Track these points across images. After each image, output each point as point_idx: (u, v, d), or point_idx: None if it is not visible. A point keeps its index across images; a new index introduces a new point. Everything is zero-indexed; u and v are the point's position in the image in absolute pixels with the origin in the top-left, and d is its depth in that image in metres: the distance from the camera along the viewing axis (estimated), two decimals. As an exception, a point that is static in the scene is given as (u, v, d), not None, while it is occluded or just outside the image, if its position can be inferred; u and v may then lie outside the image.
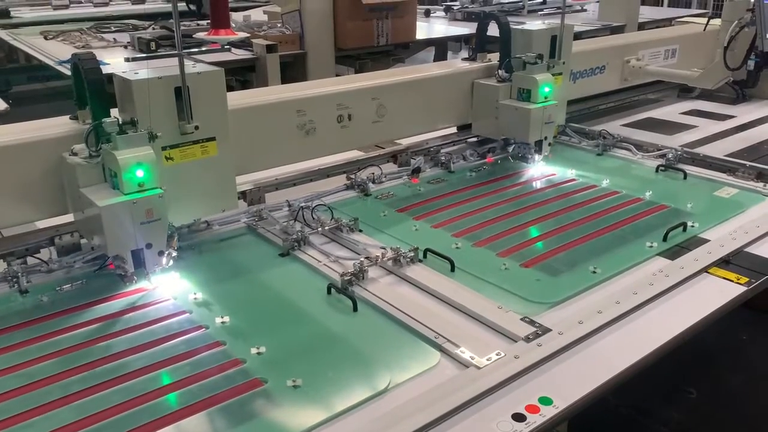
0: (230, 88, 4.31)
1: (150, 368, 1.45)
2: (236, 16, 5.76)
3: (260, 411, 1.32)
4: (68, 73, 4.06)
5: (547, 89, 2.57)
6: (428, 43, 5.80)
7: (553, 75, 2.64)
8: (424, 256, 1.91)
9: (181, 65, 1.76)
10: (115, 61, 4.24)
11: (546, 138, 2.63)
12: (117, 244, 1.66)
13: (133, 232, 1.66)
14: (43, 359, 1.48)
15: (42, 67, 4.64)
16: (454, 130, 2.99)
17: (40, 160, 1.82)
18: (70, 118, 1.93)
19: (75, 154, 1.75)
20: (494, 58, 2.81)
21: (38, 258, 1.86)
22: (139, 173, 1.65)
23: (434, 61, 5.90)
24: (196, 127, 1.83)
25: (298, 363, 1.45)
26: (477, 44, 2.85)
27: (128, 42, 4.88)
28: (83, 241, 1.95)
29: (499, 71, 2.69)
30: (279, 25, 5.02)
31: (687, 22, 4.30)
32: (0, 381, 1.41)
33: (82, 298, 1.74)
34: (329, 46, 4.93)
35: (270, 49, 4.51)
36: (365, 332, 1.59)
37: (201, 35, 2.15)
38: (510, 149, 2.74)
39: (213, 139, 1.91)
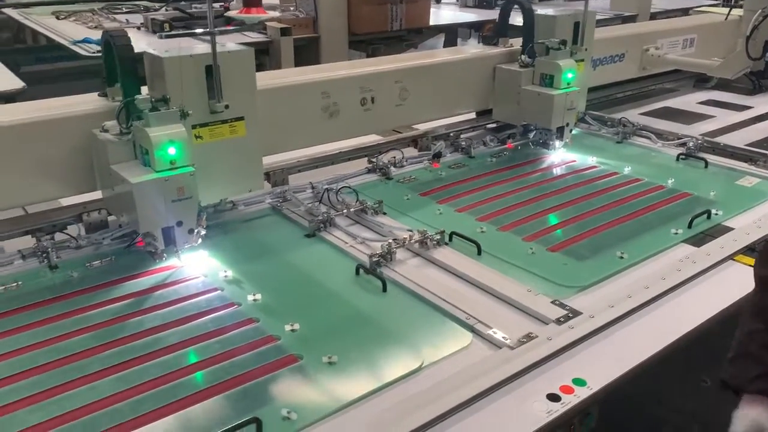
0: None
1: (185, 343, 1.46)
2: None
3: (297, 386, 1.33)
4: (82, 52, 4.09)
5: (570, 75, 2.56)
6: (440, 29, 5.77)
7: (575, 61, 2.63)
8: (450, 239, 1.92)
9: (213, 44, 1.75)
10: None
11: (568, 124, 2.62)
12: (148, 221, 1.66)
13: (164, 210, 1.66)
14: (76, 333, 1.49)
15: (55, 47, 4.61)
16: (472, 115, 2.99)
17: (70, 137, 1.82)
18: (99, 95, 1.93)
19: (106, 131, 1.75)
20: (515, 43, 2.80)
21: (68, 234, 1.87)
22: (171, 151, 1.65)
23: (444, 47, 5.88)
24: (226, 106, 1.83)
25: (331, 340, 1.46)
26: (498, 29, 2.84)
27: (141, 23, 4.86)
28: (111, 218, 1.96)
29: (522, 56, 2.68)
30: (292, 8, 5.00)
31: (705, 12, 4.27)
32: (36, 354, 1.42)
33: (112, 274, 1.74)
34: (343, 30, 4.91)
35: (284, 32, 4.50)
36: (396, 312, 1.60)
37: (232, 13, 2.14)
38: (531, 135, 2.74)
39: (242, 118, 1.91)
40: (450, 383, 1.31)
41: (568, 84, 2.58)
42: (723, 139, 2.84)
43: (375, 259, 1.77)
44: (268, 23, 4.57)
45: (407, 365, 1.38)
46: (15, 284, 1.68)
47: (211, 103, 1.82)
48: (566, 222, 2.08)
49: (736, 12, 3.56)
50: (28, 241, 1.87)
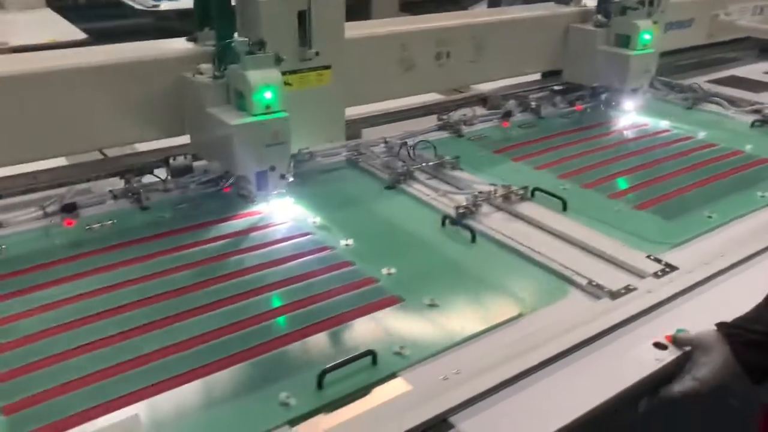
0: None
1: (286, 282, 1.48)
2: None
3: (404, 324, 1.34)
4: (138, 6, 4.09)
5: (647, 36, 2.51)
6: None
7: (652, 23, 2.58)
8: (532, 195, 1.91)
9: (312, -11, 1.75)
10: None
11: (642, 86, 2.58)
12: (244, 164, 1.67)
13: (260, 154, 1.67)
14: (177, 270, 1.52)
15: (106, 4, 4.63)
16: (537, 77, 2.95)
17: (159, 80, 1.83)
18: (187, 40, 1.93)
19: (201, 74, 1.76)
20: (589, 3, 2.75)
21: (156, 176, 1.89)
22: (267, 95, 1.66)
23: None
24: (317, 53, 1.82)
25: (429, 285, 1.47)
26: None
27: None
28: (196, 163, 1.98)
29: (597, 16, 2.62)
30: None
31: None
32: (145, 286, 1.45)
33: (203, 216, 1.77)
34: (395, -9, 4.87)
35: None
36: (488, 262, 1.60)
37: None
38: (602, 97, 2.70)
39: (329, 67, 1.90)
40: (553, 330, 1.32)
41: (645, 45, 2.53)
42: (795, 108, 2.77)
43: (461, 211, 1.77)
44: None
45: (507, 312, 1.39)
46: (110, 222, 1.71)
47: (301, 50, 1.82)
48: (648, 182, 2.05)
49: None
50: (114, 183, 1.90)
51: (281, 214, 1.79)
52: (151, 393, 1.14)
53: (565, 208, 1.84)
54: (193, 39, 1.91)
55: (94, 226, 1.70)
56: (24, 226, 1.68)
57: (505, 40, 2.53)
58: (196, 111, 1.78)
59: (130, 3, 4.12)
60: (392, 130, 2.38)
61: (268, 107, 1.66)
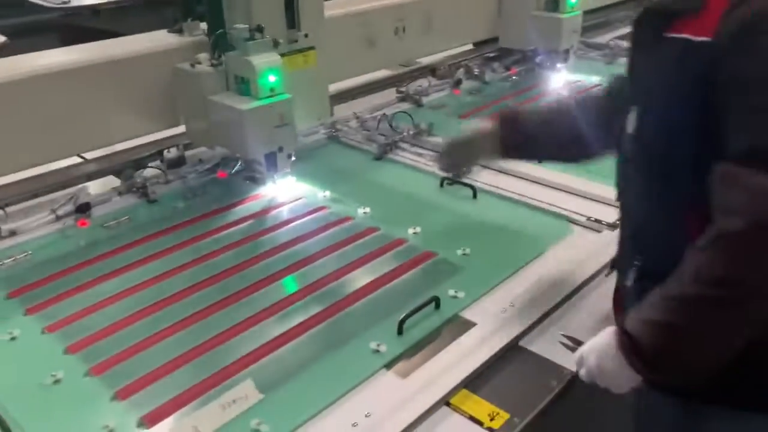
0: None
1: (323, 252, 1.58)
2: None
3: (447, 275, 1.49)
4: (47, 4, 3.89)
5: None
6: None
7: (575, -14, 2.83)
8: (509, 151, 2.10)
9: (295, -27, 1.82)
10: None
11: (572, 46, 2.84)
12: (256, 147, 1.74)
13: (269, 136, 1.75)
14: (217, 253, 1.58)
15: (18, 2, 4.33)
16: (470, 47, 3.16)
17: (154, 73, 1.85)
18: (169, 32, 1.95)
19: (198, 63, 1.79)
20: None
21: (161, 168, 1.91)
22: (271, 78, 1.73)
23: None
24: (306, 35, 1.90)
25: (454, 238, 1.63)
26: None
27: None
28: (188, 153, 2.01)
29: (527, -15, 2.85)
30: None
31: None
32: (193, 271, 1.51)
33: (215, 203, 1.82)
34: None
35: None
36: (495, 213, 1.77)
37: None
38: (537, 60, 2.94)
39: (313, 48, 1.99)
40: (573, 261, 1.52)
41: (572, 8, 2.78)
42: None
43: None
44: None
45: (531, 251, 1.57)
46: (125, 218, 1.73)
47: (290, 32, 1.89)
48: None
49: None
50: (111, 182, 1.91)
51: (290, 192, 1.87)
52: (254, 359, 1.22)
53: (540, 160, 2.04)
54: (176, 31, 1.93)
55: (111, 223, 1.71)
56: (38, 231, 1.67)
57: (449, 12, 2.70)
58: (195, 100, 1.82)
59: (37, 1, 3.91)
60: (358, 106, 2.50)
61: (272, 90, 1.74)
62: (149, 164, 1.95)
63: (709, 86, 0.95)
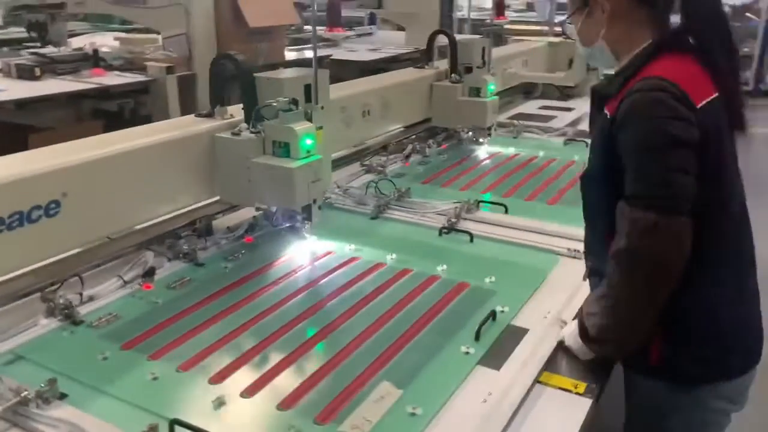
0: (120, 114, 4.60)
1: (378, 290, 1.88)
2: (80, 42, 5.62)
3: (486, 297, 1.85)
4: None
5: (492, 86, 3.38)
6: (292, 63, 6.30)
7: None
8: (477, 206, 2.53)
9: (315, 66, 2.17)
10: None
11: (494, 124, 3.43)
12: (302, 199, 2.03)
13: (307, 190, 2.04)
14: (282, 303, 1.82)
15: None
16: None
17: (196, 151, 2.10)
18: (197, 116, 2.21)
19: (239, 133, 2.07)
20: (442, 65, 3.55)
21: (199, 235, 2.11)
22: (308, 142, 2.05)
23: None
24: (322, 107, 2.24)
25: (475, 270, 2.00)
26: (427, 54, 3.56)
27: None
28: (215, 222, 2.23)
29: (453, 75, 3.42)
30: (161, 49, 5.14)
31: (526, 40, 5.49)
32: (264, 323, 1.73)
33: (258, 262, 2.06)
34: (216, 67, 5.20)
35: (169, 70, 4.69)
36: (492, 252, 2.18)
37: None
38: (465, 136, 3.48)
39: (321, 128, 2.32)
40: (570, 278, 1.96)
41: (491, 93, 3.39)
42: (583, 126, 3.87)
43: (453, 220, 2.33)
44: (148, 63, 4.73)
45: (539, 276, 1.98)
46: (188, 279, 1.92)
47: (307, 105, 2.21)
48: (541, 188, 2.82)
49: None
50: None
51: (320, 248, 2.16)
52: (380, 365, 1.50)
53: (506, 210, 2.50)
54: (204, 115, 2.20)
55: (175, 284, 1.89)
56: (112, 296, 1.81)
57: (399, 98, 3.18)
58: (236, 165, 2.08)
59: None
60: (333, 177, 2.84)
61: (308, 152, 2.05)
62: (182, 233, 2.14)
63: (613, 149, 1.47)
